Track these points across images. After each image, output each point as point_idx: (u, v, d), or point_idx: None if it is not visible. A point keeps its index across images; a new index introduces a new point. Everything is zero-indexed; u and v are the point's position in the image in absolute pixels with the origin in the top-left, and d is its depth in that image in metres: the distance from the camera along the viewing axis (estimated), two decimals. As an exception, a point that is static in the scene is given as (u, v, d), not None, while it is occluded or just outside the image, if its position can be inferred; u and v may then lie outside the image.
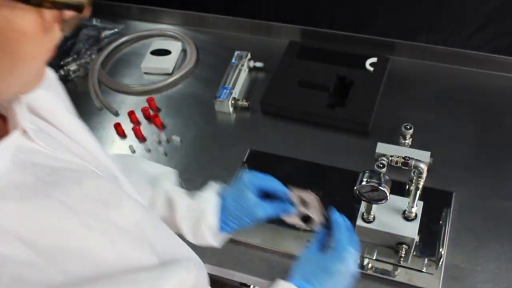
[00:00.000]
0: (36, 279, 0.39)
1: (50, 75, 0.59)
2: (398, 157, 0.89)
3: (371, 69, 1.30)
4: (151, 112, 1.30)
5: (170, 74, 1.40)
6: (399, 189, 1.02)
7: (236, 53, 1.38)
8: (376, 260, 0.96)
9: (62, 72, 1.41)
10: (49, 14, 0.38)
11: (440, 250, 0.96)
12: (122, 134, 1.26)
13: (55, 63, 1.41)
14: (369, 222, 0.94)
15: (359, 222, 0.95)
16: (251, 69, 1.38)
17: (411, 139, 1.12)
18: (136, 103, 1.34)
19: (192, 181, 1.11)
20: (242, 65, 1.35)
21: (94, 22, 1.52)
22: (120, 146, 1.23)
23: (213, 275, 1.00)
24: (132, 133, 1.25)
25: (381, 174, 0.84)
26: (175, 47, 1.45)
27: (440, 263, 0.95)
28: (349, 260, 0.70)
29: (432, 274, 0.94)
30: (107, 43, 1.49)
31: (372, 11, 1.37)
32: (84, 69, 1.43)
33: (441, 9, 1.30)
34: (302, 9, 1.43)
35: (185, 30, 1.52)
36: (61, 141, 0.53)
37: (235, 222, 0.76)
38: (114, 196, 0.52)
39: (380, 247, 0.97)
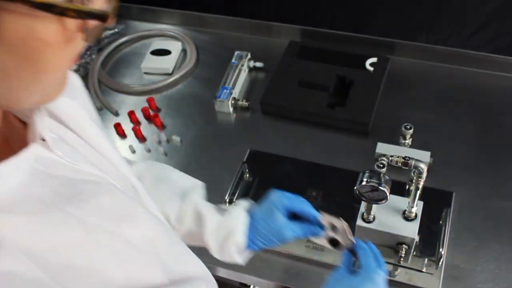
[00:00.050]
0: None
1: (77, 82, 0.58)
2: (398, 157, 0.89)
3: (371, 69, 1.30)
4: (151, 112, 1.30)
5: (170, 74, 1.40)
6: (399, 189, 1.02)
7: (236, 53, 1.38)
8: (376, 260, 0.96)
9: (62, 72, 1.41)
10: (71, 23, 0.38)
11: (440, 250, 0.96)
12: (122, 134, 1.26)
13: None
14: (369, 222, 0.94)
15: (359, 222, 0.95)
16: (251, 69, 1.38)
17: (411, 139, 1.12)
18: (136, 103, 1.34)
19: (192, 181, 1.11)
20: (242, 65, 1.35)
21: (94, 22, 1.52)
22: (120, 146, 1.23)
23: (213, 275, 0.99)
24: (132, 133, 1.25)
25: (381, 174, 0.84)
26: (175, 47, 1.45)
27: (440, 263, 0.95)
28: (379, 282, 0.70)
29: (432, 274, 0.94)
30: (107, 43, 1.49)
31: (372, 11, 1.37)
32: (84, 69, 1.43)
33: (441, 9, 1.30)
34: (302, 9, 1.43)
35: (185, 30, 1.52)
36: (80, 151, 0.52)
37: (263, 241, 0.76)
38: (129, 210, 0.52)
39: (380, 247, 0.96)
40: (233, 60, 1.36)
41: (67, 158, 0.49)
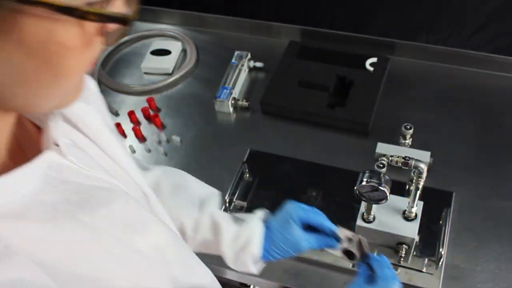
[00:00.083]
0: None
1: (92, 87, 0.58)
2: (398, 157, 0.89)
3: (371, 69, 1.30)
4: (151, 112, 1.30)
5: (170, 74, 1.40)
6: (399, 189, 1.02)
7: (236, 53, 1.38)
8: (376, 260, 0.96)
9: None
10: (91, 27, 0.37)
11: (440, 250, 0.96)
12: (122, 134, 1.26)
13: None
14: (369, 222, 0.94)
15: (359, 222, 0.95)
16: (251, 69, 1.38)
17: (411, 139, 1.12)
18: (136, 103, 1.34)
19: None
20: (242, 65, 1.35)
21: (94, 22, 1.52)
22: (120, 146, 1.23)
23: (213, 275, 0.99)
24: (132, 133, 1.25)
25: (381, 174, 0.84)
26: (175, 47, 1.45)
27: (440, 263, 0.95)
28: None
29: (432, 274, 0.94)
30: (107, 43, 1.49)
31: (372, 11, 1.37)
32: (84, 69, 1.43)
33: (441, 9, 1.30)
34: (302, 9, 1.43)
35: (185, 30, 1.52)
36: (94, 157, 0.52)
37: (278, 252, 0.77)
38: (140, 218, 0.52)
39: (380, 247, 0.97)
40: (233, 60, 1.36)
41: (80, 164, 0.48)
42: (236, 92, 1.30)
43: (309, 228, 0.79)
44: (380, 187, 0.83)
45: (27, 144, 0.48)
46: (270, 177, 1.13)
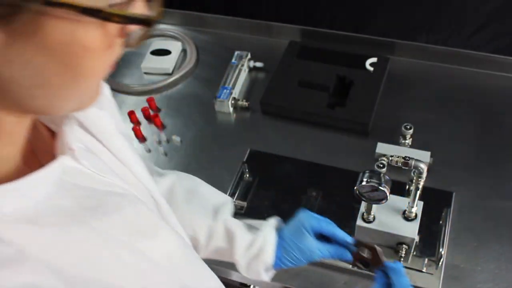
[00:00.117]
0: None
1: (106, 92, 0.58)
2: (398, 157, 0.89)
3: (371, 69, 1.30)
4: (151, 112, 1.30)
5: (170, 74, 1.40)
6: (399, 189, 1.02)
7: (236, 53, 1.38)
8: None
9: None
10: (113, 28, 0.37)
11: (440, 250, 0.96)
12: (122, 134, 1.26)
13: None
14: (369, 222, 0.94)
15: (359, 222, 0.95)
16: (251, 69, 1.38)
17: (411, 139, 1.12)
18: (136, 103, 1.34)
19: (192, 181, 1.11)
20: (242, 65, 1.35)
21: (94, 22, 1.52)
22: (120, 146, 1.23)
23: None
24: (132, 133, 1.25)
25: (381, 174, 0.84)
26: (175, 47, 1.45)
27: (440, 263, 0.95)
28: None
29: (432, 274, 0.94)
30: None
31: (372, 11, 1.37)
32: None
33: (441, 9, 1.30)
34: (302, 9, 1.43)
35: (185, 30, 1.52)
36: (106, 162, 0.52)
37: (290, 260, 0.78)
38: (151, 225, 0.52)
39: (380, 247, 0.97)
40: (233, 60, 1.36)
41: (93, 168, 0.49)
42: (236, 92, 1.30)
43: (322, 237, 0.80)
44: (380, 187, 0.83)
45: (40, 149, 0.48)
46: (270, 177, 1.13)
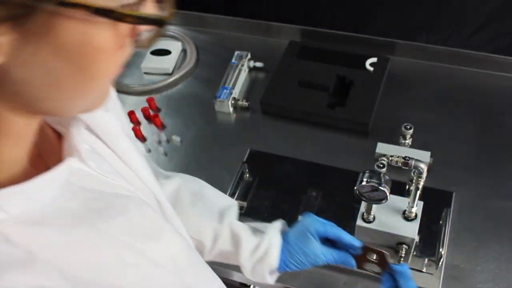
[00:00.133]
0: None
1: (112, 94, 0.58)
2: (398, 157, 0.89)
3: (371, 69, 1.30)
4: (151, 112, 1.30)
5: (170, 74, 1.40)
6: (399, 189, 1.02)
7: (236, 53, 1.38)
8: (376, 260, 0.96)
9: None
10: (124, 29, 0.37)
11: (440, 250, 0.96)
12: (122, 134, 1.26)
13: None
14: (369, 222, 0.94)
15: (359, 222, 0.95)
16: (251, 69, 1.38)
17: (411, 139, 1.12)
18: (136, 103, 1.34)
19: (192, 181, 1.11)
20: (242, 65, 1.35)
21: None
22: (120, 146, 1.23)
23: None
24: (132, 133, 1.25)
25: (381, 174, 0.84)
26: (175, 47, 1.45)
27: (440, 263, 0.95)
28: None
29: (432, 274, 0.94)
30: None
31: (372, 11, 1.37)
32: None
33: (441, 9, 1.30)
34: (302, 9, 1.43)
35: (185, 30, 1.52)
36: (112, 164, 0.53)
37: (295, 264, 0.79)
38: (156, 227, 0.52)
39: (380, 247, 0.97)
40: (233, 60, 1.36)
41: (99, 170, 0.49)
42: (236, 92, 1.30)
43: (328, 241, 0.80)
44: (380, 187, 0.83)
45: (46, 150, 0.48)
46: (270, 177, 1.13)
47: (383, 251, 0.79)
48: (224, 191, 1.09)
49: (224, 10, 1.50)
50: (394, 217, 0.94)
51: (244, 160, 1.15)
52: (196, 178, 0.86)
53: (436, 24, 1.33)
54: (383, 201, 0.86)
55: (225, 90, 1.28)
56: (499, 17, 1.25)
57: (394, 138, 1.13)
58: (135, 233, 0.48)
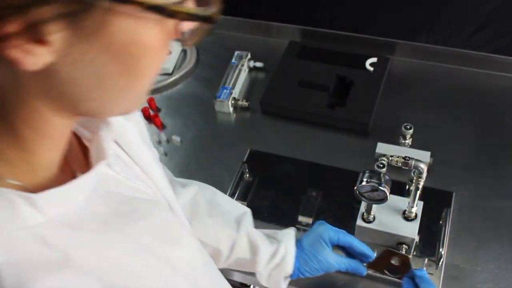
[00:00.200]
0: None
1: None
2: (398, 157, 0.89)
3: (371, 69, 1.30)
4: (151, 112, 1.30)
5: (170, 74, 1.40)
6: (399, 189, 1.02)
7: (236, 53, 1.38)
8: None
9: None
10: (170, 27, 0.37)
11: (440, 250, 0.96)
12: (122, 134, 1.26)
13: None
14: (369, 222, 0.94)
15: (359, 222, 0.95)
16: (251, 69, 1.38)
17: (411, 139, 1.12)
18: (136, 103, 1.34)
19: (192, 181, 1.11)
20: (242, 65, 1.35)
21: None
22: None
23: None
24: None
25: (381, 174, 0.84)
26: (175, 47, 1.45)
27: (440, 263, 0.95)
28: None
29: (432, 274, 0.94)
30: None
31: (372, 11, 1.37)
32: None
33: (441, 9, 1.30)
34: (302, 9, 1.43)
35: (185, 30, 1.52)
36: (132, 169, 0.53)
37: (309, 271, 0.82)
38: (175, 232, 0.52)
39: (380, 247, 0.97)
40: (233, 60, 1.36)
41: (123, 174, 0.49)
42: (236, 92, 1.30)
43: (338, 247, 0.84)
44: (380, 187, 0.83)
45: (70, 154, 0.48)
46: (270, 177, 1.13)
47: (408, 256, 0.82)
48: (224, 191, 1.09)
49: (224, 10, 1.49)
50: (394, 217, 0.94)
51: (244, 160, 1.15)
52: (208, 185, 0.87)
53: (436, 24, 1.33)
54: (383, 201, 0.86)
55: (225, 90, 1.28)
56: (499, 17, 1.25)
57: (394, 138, 1.13)
58: (157, 237, 0.48)
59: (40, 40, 0.32)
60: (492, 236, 0.99)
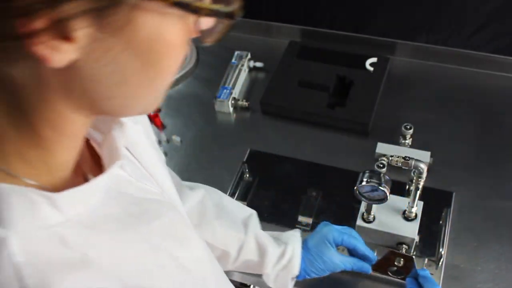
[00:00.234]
0: None
1: None
2: (398, 157, 0.89)
3: (371, 69, 1.30)
4: (151, 112, 1.30)
5: (170, 74, 1.40)
6: (399, 189, 1.02)
7: (236, 53, 1.38)
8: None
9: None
10: (191, 24, 0.37)
11: (440, 250, 0.96)
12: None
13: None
14: (369, 222, 0.94)
15: (359, 222, 0.95)
16: (251, 69, 1.38)
17: (411, 139, 1.12)
18: (136, 103, 1.34)
19: (192, 181, 1.11)
20: (242, 65, 1.35)
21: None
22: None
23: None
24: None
25: (381, 174, 0.84)
26: (175, 47, 1.45)
27: (440, 263, 0.95)
28: None
29: (432, 274, 0.94)
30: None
31: (372, 11, 1.37)
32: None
33: (441, 9, 1.30)
34: (302, 9, 1.43)
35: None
36: (140, 170, 0.53)
37: (315, 272, 0.84)
38: (184, 232, 0.53)
39: (380, 247, 0.97)
40: (233, 60, 1.36)
41: (133, 175, 0.49)
42: (236, 92, 1.30)
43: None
44: (380, 187, 0.83)
45: (79, 155, 0.48)
46: (270, 177, 1.13)
47: (411, 255, 0.83)
48: (224, 191, 1.09)
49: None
50: (394, 217, 0.94)
51: (244, 160, 1.15)
52: (214, 188, 0.88)
53: (436, 24, 1.33)
54: (383, 201, 0.86)
55: (225, 90, 1.28)
56: (499, 17, 1.25)
57: (394, 138, 1.13)
58: (167, 237, 0.48)
59: (66, 36, 0.31)
60: (492, 236, 0.99)
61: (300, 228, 1.02)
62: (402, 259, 0.84)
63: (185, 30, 0.37)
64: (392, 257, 0.84)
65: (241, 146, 1.20)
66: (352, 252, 0.86)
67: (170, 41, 0.36)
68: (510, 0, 1.22)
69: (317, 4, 1.40)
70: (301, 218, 1.04)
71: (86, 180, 0.46)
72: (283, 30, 1.44)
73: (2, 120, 0.36)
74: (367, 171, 0.85)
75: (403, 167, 0.89)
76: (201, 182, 0.88)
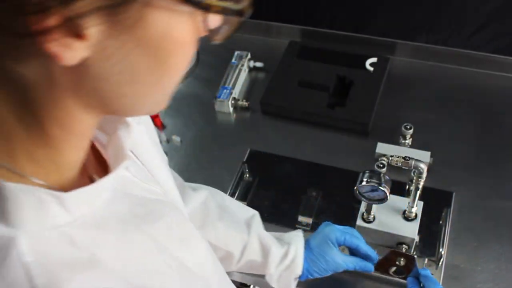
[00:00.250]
0: None
1: None
2: (398, 157, 0.89)
3: (371, 69, 1.30)
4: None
5: (170, 74, 1.40)
6: (399, 189, 1.02)
7: (236, 53, 1.38)
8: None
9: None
10: (200, 22, 0.37)
11: (440, 250, 0.96)
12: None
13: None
14: (369, 222, 0.94)
15: (359, 222, 0.95)
16: (251, 69, 1.38)
17: (411, 139, 1.12)
18: (136, 103, 1.34)
19: (192, 181, 1.11)
20: (242, 65, 1.35)
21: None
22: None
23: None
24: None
25: (381, 174, 0.84)
26: (175, 47, 1.45)
27: (440, 263, 0.95)
28: None
29: (432, 274, 0.94)
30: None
31: (372, 11, 1.37)
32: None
33: (441, 9, 1.30)
34: (302, 9, 1.43)
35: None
36: (143, 170, 0.53)
37: (318, 272, 0.84)
38: (186, 232, 0.53)
39: (380, 247, 0.97)
40: (233, 60, 1.36)
41: (137, 175, 0.49)
42: (236, 92, 1.30)
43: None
44: (380, 187, 0.83)
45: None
46: (270, 177, 1.13)
47: (412, 255, 0.83)
48: (224, 191, 1.09)
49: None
50: (394, 217, 0.94)
51: (244, 160, 1.15)
52: (216, 189, 0.88)
53: (436, 24, 1.33)
54: (383, 201, 0.86)
55: (225, 90, 1.28)
56: (499, 17, 1.25)
57: (394, 138, 1.13)
58: (171, 237, 0.48)
59: (78, 34, 0.31)
60: (492, 236, 0.99)
61: (300, 228, 1.02)
62: (403, 259, 0.84)
63: (194, 28, 0.37)
64: (393, 256, 0.84)
65: (241, 146, 1.20)
66: (354, 252, 0.86)
67: (179, 39, 0.36)
68: (510, 0, 1.22)
69: (317, 4, 1.40)
70: (301, 218, 1.04)
71: (91, 180, 0.46)
72: (283, 30, 1.44)
73: (10, 118, 0.36)
74: (367, 171, 0.85)
75: (403, 167, 0.89)
76: (201, 182, 0.88)
